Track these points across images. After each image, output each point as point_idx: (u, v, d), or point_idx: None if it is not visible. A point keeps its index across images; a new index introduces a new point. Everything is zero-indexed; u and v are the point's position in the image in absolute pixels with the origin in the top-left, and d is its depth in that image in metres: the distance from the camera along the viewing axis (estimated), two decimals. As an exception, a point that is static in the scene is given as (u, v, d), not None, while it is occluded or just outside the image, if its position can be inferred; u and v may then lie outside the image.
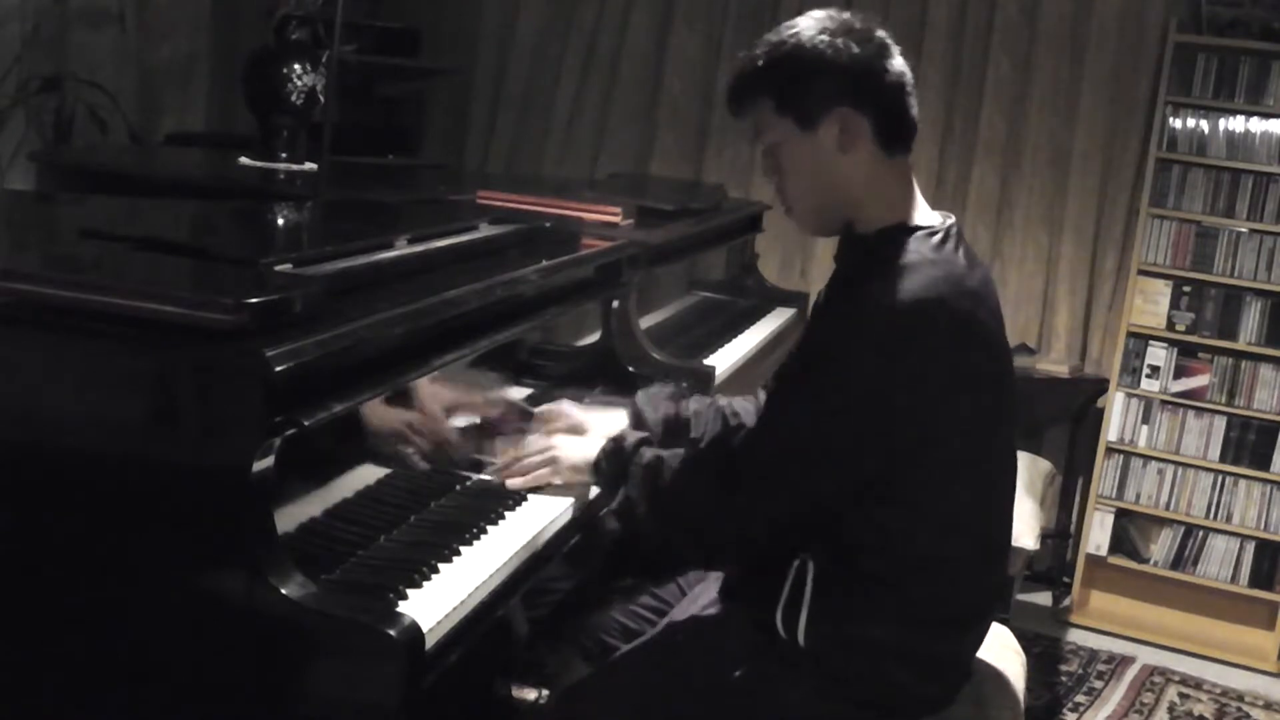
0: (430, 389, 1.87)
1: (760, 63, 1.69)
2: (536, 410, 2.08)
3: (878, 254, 1.64)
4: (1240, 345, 3.78)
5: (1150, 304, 3.84)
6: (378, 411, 1.76)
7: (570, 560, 2.07)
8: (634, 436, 1.84)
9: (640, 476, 1.75)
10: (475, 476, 1.93)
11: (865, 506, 1.62)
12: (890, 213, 1.70)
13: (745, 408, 2.07)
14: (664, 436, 2.00)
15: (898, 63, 1.68)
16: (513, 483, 1.88)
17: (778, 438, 1.65)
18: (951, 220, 1.71)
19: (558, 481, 1.89)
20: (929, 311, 1.56)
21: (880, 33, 1.69)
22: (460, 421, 1.98)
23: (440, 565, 1.60)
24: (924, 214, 1.72)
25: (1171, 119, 3.79)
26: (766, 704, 1.69)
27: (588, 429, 2.00)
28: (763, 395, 2.07)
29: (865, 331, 1.56)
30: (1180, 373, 3.85)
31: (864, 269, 1.64)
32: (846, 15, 1.70)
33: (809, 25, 1.67)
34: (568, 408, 2.04)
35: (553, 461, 1.89)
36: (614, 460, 1.81)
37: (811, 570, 1.65)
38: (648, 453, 1.78)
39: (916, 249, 1.63)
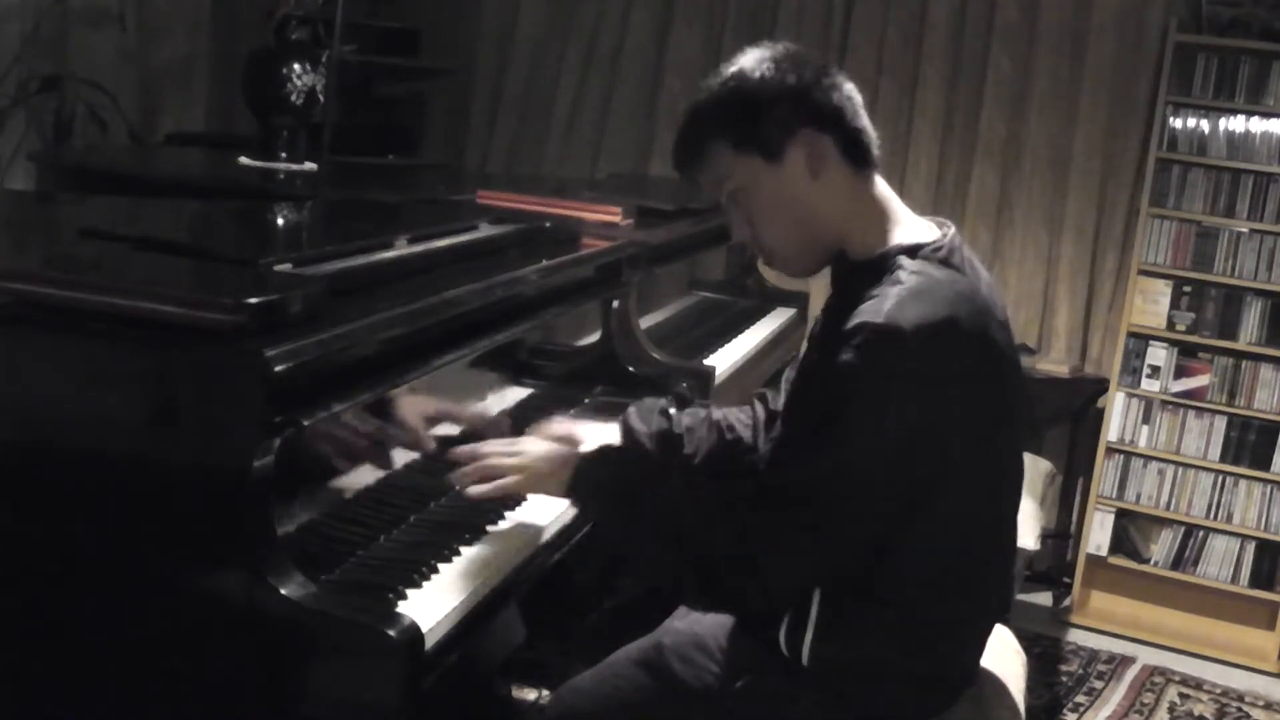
0: (412, 399, 1.85)
1: (709, 106, 1.64)
2: (528, 429, 1.97)
3: (881, 278, 1.57)
4: (1240, 345, 3.78)
5: (1150, 304, 3.84)
6: (379, 412, 1.76)
7: (571, 560, 2.07)
8: (616, 454, 1.76)
9: (651, 514, 1.65)
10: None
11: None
12: (881, 232, 1.64)
13: (741, 419, 1.99)
14: (657, 454, 1.94)
15: (844, 83, 1.64)
16: (474, 490, 1.73)
17: (803, 490, 1.54)
18: (951, 230, 1.66)
19: (526, 489, 1.77)
20: (946, 334, 1.51)
21: (817, 58, 1.66)
22: (443, 432, 1.93)
23: (440, 565, 1.60)
24: (917, 226, 1.66)
25: (1171, 119, 3.79)
26: (765, 715, 1.68)
27: (580, 439, 1.92)
28: (759, 406, 2.01)
29: (886, 362, 1.49)
30: (1180, 373, 3.84)
31: (871, 294, 1.55)
32: (781, 45, 1.66)
33: (748, 60, 1.63)
34: (559, 423, 1.97)
35: (522, 470, 1.74)
36: (593, 477, 1.71)
37: (818, 592, 1.63)
38: (635, 471, 1.70)
39: (922, 269, 1.56)
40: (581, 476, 1.72)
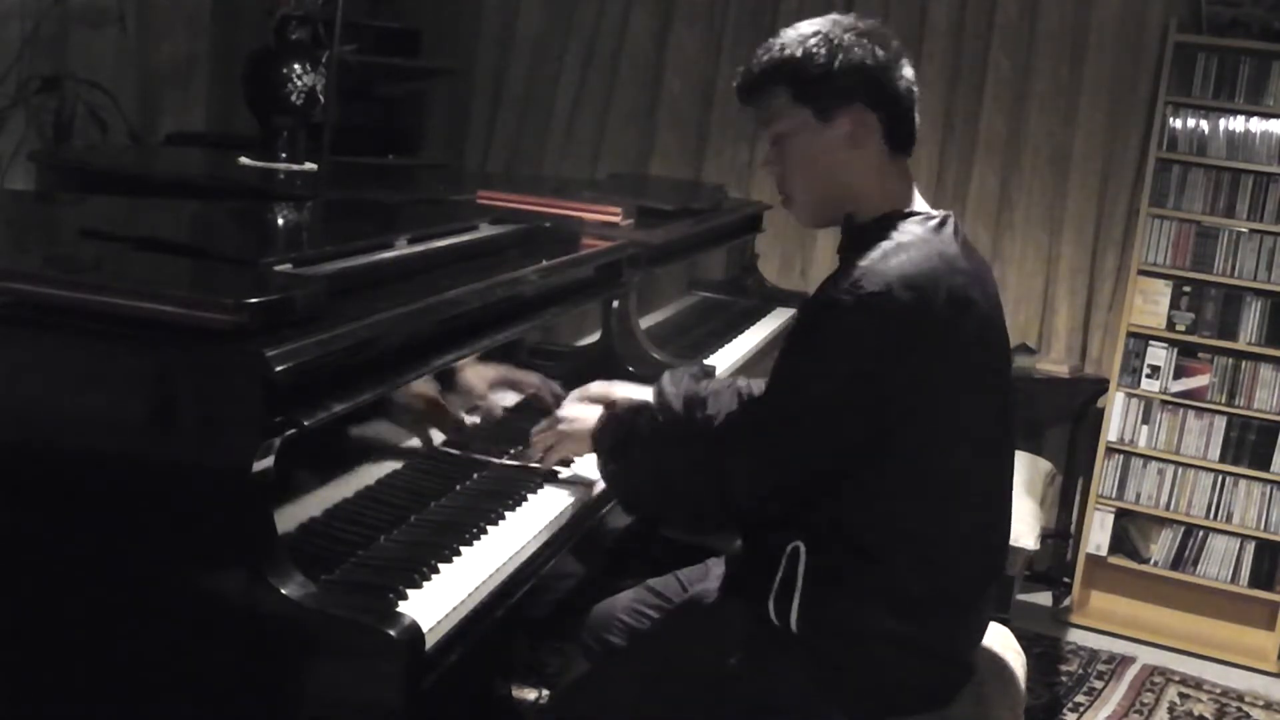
0: (412, 399, 1.87)
1: (785, 52, 1.73)
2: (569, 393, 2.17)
3: (877, 237, 1.69)
4: (1240, 345, 3.78)
5: (1150, 304, 3.84)
6: (379, 412, 1.76)
7: (571, 560, 2.07)
8: (631, 406, 1.90)
9: (631, 442, 1.82)
10: (496, 462, 2.00)
11: (855, 486, 1.64)
12: (888, 203, 1.75)
13: (762, 387, 2.11)
14: (684, 413, 2.05)
15: (909, 72, 1.76)
16: (537, 461, 1.96)
17: (767, 404, 1.69)
18: (950, 214, 1.76)
19: (568, 451, 1.97)
20: (920, 285, 1.60)
21: (898, 41, 1.76)
22: (492, 401, 2.06)
23: (440, 565, 1.60)
24: (922, 206, 1.78)
25: (1171, 119, 3.79)
26: (763, 693, 1.69)
27: (616, 397, 2.09)
28: None
29: (856, 302, 1.59)
30: (1180, 373, 3.84)
31: (861, 249, 1.68)
32: (871, 21, 1.77)
33: (833, 24, 1.74)
34: (597, 385, 2.13)
35: (558, 434, 1.95)
36: (610, 431, 1.86)
37: (803, 555, 1.66)
38: (639, 419, 1.85)
39: (910, 229, 1.69)
40: (596, 434, 1.88)
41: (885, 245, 1.65)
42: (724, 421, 1.76)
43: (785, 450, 1.66)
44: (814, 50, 1.72)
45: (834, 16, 1.77)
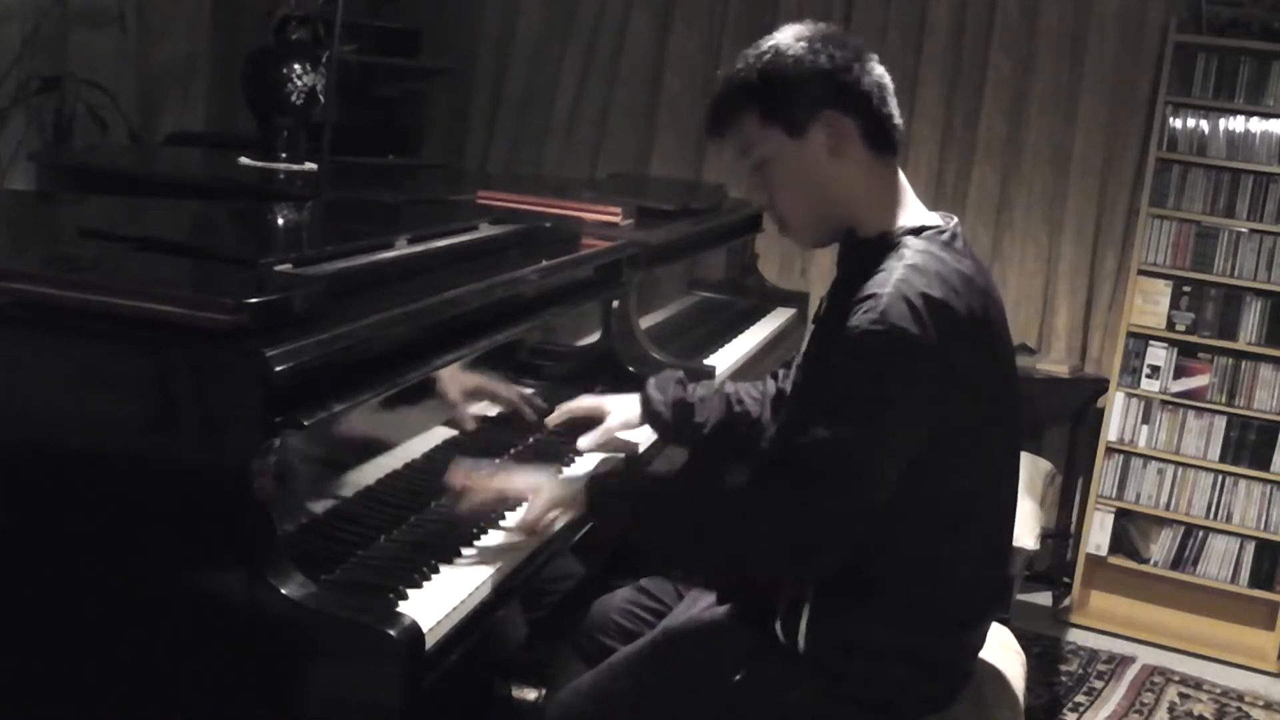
0: (412, 399, 1.85)
1: (743, 77, 1.69)
2: (560, 407, 2.16)
3: (886, 255, 1.62)
4: (1240, 345, 3.78)
5: (1150, 304, 3.84)
6: (379, 412, 1.76)
7: (571, 560, 2.07)
8: (625, 461, 1.87)
9: (657, 512, 1.71)
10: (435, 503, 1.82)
11: None
12: (890, 214, 1.69)
13: (751, 393, 2.09)
14: (673, 421, 2.07)
15: (876, 67, 1.69)
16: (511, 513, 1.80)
17: (819, 463, 1.55)
18: (954, 220, 1.71)
19: (550, 515, 1.77)
20: (948, 308, 1.55)
21: (856, 40, 1.71)
22: (443, 430, 1.96)
23: (440, 565, 1.60)
24: (924, 214, 1.72)
25: (1171, 119, 3.79)
26: (765, 705, 1.69)
27: (606, 411, 2.09)
28: (771, 383, 2.09)
29: (892, 332, 1.52)
30: (1180, 373, 3.84)
31: (872, 272, 1.61)
32: (821, 25, 1.71)
33: (786, 36, 1.69)
34: (586, 398, 2.14)
35: (537, 493, 1.76)
36: (611, 489, 1.76)
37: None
38: (655, 485, 1.80)
39: (927, 248, 1.62)
40: (597, 492, 1.75)
41: (898, 267, 1.57)
42: (777, 499, 1.59)
43: (848, 500, 1.55)
44: (771, 67, 1.66)
45: (788, 27, 1.71)
